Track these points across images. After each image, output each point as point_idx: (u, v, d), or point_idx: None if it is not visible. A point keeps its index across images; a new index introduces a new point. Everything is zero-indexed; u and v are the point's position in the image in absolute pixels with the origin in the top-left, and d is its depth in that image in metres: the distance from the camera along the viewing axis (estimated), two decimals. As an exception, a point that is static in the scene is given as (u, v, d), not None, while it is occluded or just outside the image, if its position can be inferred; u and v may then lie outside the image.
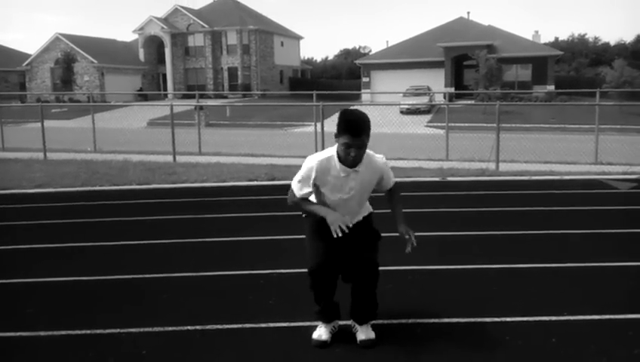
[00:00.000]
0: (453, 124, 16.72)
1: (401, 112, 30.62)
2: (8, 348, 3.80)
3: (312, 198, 3.69)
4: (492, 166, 12.22)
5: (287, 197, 3.73)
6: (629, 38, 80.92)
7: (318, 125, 14.05)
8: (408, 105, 31.58)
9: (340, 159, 3.50)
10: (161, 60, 55.56)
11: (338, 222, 3.44)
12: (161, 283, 5.06)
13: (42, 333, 3.97)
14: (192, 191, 10.02)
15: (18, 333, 3.98)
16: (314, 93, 24.85)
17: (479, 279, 5.02)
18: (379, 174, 3.67)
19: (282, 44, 58.05)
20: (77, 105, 32.95)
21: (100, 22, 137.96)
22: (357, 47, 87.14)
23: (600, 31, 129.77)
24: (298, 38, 62.79)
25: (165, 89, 54.90)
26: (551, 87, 41.44)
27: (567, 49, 61.41)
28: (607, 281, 4.93)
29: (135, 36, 56.02)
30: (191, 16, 54.00)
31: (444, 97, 37.12)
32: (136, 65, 54.48)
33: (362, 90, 45.75)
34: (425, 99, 34.85)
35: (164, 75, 55.72)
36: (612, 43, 70.83)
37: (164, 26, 53.50)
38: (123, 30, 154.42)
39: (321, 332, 3.76)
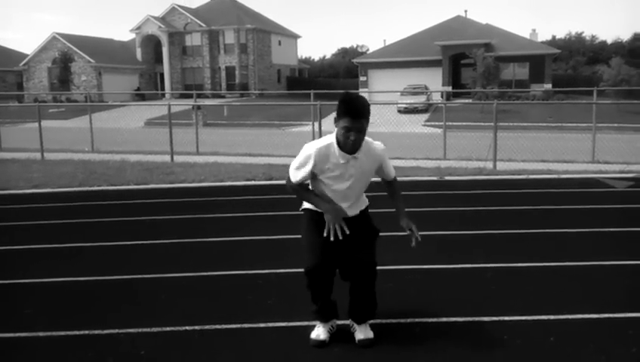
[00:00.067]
0: (450, 123, 16.74)
1: (399, 111, 30.65)
2: (7, 348, 3.79)
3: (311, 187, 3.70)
4: (489, 165, 12.23)
5: (286, 183, 3.73)
6: (626, 36, 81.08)
7: (316, 124, 14.05)
8: (406, 104, 31.58)
9: (340, 145, 3.49)
10: (159, 60, 55.52)
11: (335, 222, 3.45)
12: (159, 283, 5.05)
13: (41, 334, 3.97)
14: (189, 191, 10.01)
15: (17, 334, 3.98)
16: (311, 92, 24.84)
17: (477, 278, 5.02)
18: (378, 162, 3.66)
19: (280, 43, 58.04)
20: (74, 105, 32.87)
21: (98, 21, 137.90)
22: (354, 46, 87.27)
23: (597, 29, 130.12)
24: (295, 37, 62.78)
25: (163, 88, 54.87)
26: (548, 86, 41.48)
27: (565, 47, 61.48)
28: (605, 280, 4.94)
29: (132, 35, 55.99)
30: (188, 15, 53.94)
31: (442, 96, 37.13)
32: (133, 64, 54.43)
33: (360, 89, 45.71)
34: (422, 98, 34.88)
35: (162, 75, 55.68)
36: (609, 41, 71.03)
37: (162, 25, 53.45)
38: (120, 29, 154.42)
39: (319, 332, 3.75)
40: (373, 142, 3.64)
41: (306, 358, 3.58)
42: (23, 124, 24.86)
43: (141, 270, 5.40)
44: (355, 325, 3.80)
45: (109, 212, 8.34)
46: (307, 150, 3.55)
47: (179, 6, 54.39)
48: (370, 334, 3.74)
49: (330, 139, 3.54)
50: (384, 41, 71.78)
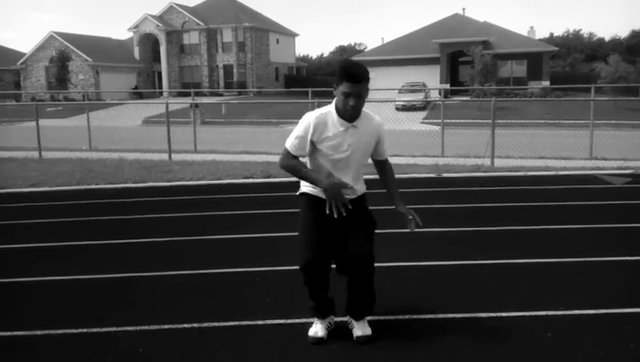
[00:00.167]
0: (448, 121, 16.71)
1: (397, 109, 30.66)
2: (6, 347, 3.79)
3: (308, 165, 3.66)
4: (487, 162, 12.24)
5: (280, 159, 3.64)
6: (623, 33, 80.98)
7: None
8: (404, 101, 31.58)
9: (339, 112, 3.49)
10: (157, 58, 55.43)
11: (336, 198, 3.38)
12: (157, 281, 5.06)
13: (39, 332, 3.97)
14: (187, 189, 10.01)
15: (15, 332, 3.98)
16: (309, 90, 24.82)
17: (475, 275, 5.03)
18: (376, 135, 3.64)
19: (277, 41, 57.97)
20: (72, 103, 32.81)
21: (95, 20, 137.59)
22: (352, 44, 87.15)
23: (595, 26, 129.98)
24: (293, 35, 62.72)
25: (160, 87, 54.79)
26: (546, 83, 41.48)
27: (562, 45, 61.44)
28: (603, 276, 4.95)
29: (130, 34, 55.92)
30: (186, 13, 53.87)
31: (440, 94, 37.18)
32: (131, 63, 54.35)
33: (358, 87, 45.58)
34: (420, 96, 34.89)
35: (160, 73, 55.60)
36: (607, 38, 70.99)
37: (159, 24, 53.37)
38: (118, 28, 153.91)
39: (317, 329, 3.76)
40: (372, 114, 3.66)
41: (304, 355, 3.58)
42: (21, 123, 24.84)
43: (139, 268, 5.40)
44: (353, 321, 3.80)
45: (106, 210, 8.34)
46: (306, 118, 3.54)
47: (177, 4, 54.30)
48: (369, 331, 3.75)
49: (330, 107, 3.54)
50: (382, 39, 71.97)
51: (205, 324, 4.02)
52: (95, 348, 3.73)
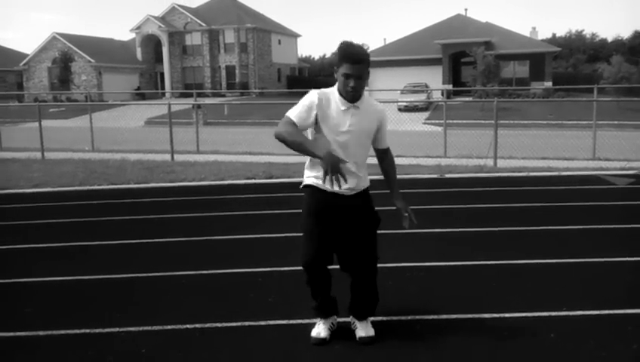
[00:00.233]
0: (451, 121, 16.72)
1: (399, 110, 30.59)
2: (8, 347, 3.79)
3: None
4: (490, 162, 12.22)
5: (276, 129, 3.40)
6: (626, 34, 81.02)
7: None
8: (406, 102, 31.54)
9: (341, 93, 3.48)
10: (159, 59, 55.51)
11: (333, 168, 3.17)
12: (159, 281, 5.05)
13: (41, 333, 3.97)
14: (190, 190, 10.01)
15: (17, 333, 3.98)
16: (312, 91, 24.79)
17: (478, 275, 5.02)
18: (378, 120, 3.61)
19: (280, 42, 58.01)
20: (74, 104, 32.86)
21: (98, 21, 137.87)
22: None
23: (597, 27, 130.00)
24: (295, 36, 62.76)
25: (163, 88, 54.87)
26: (548, 84, 41.45)
27: (565, 45, 61.42)
28: (605, 277, 4.94)
29: (132, 35, 55.97)
30: (188, 14, 53.92)
31: (442, 94, 37.06)
32: (133, 64, 54.41)
33: (360, 88, 45.61)
34: (423, 97, 34.85)
35: (162, 74, 55.67)
36: (609, 39, 71.01)
37: (162, 25, 53.44)
38: (120, 29, 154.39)
39: (319, 330, 3.75)
40: (376, 101, 3.66)
41: (307, 356, 3.58)
42: (24, 124, 24.86)
43: (142, 269, 5.40)
44: (356, 322, 3.79)
45: (109, 211, 8.35)
46: (311, 92, 3.51)
47: (179, 5, 54.37)
48: (371, 332, 3.74)
49: (333, 89, 3.54)
50: (384, 39, 71.94)
51: (208, 325, 4.01)
52: (97, 348, 3.73)
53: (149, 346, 3.74)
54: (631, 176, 10.45)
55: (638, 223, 6.91)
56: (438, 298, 4.47)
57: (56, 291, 4.88)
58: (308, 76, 62.97)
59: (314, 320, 3.83)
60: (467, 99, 35.28)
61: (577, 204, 8.18)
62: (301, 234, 3.69)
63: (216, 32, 53.58)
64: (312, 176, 3.61)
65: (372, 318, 3.84)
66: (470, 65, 40.74)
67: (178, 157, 14.06)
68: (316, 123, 3.48)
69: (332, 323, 3.82)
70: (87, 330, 3.98)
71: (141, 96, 49.07)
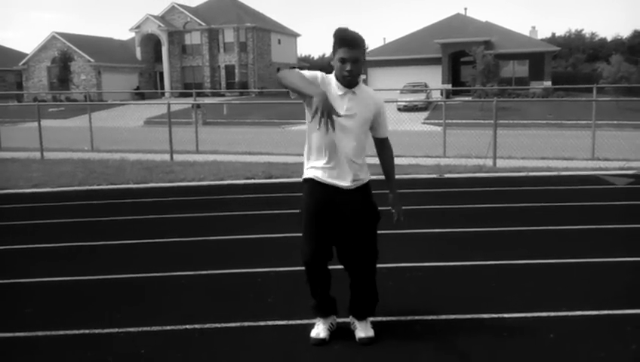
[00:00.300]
0: (450, 121, 16.70)
1: (399, 109, 30.61)
2: (7, 348, 3.79)
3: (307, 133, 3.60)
4: (489, 162, 12.23)
5: (281, 72, 3.46)
6: (625, 33, 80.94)
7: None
8: (405, 102, 31.55)
9: (338, 79, 3.50)
10: (158, 59, 55.50)
11: (325, 107, 3.12)
12: (159, 282, 5.06)
13: (40, 333, 3.97)
14: (189, 190, 10.01)
15: (16, 333, 3.98)
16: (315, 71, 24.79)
17: (477, 275, 5.03)
18: (376, 108, 3.60)
19: (279, 41, 58.00)
20: (74, 104, 32.88)
21: (97, 20, 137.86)
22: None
23: (597, 26, 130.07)
24: (295, 35, 62.74)
25: (162, 87, 54.86)
26: (548, 83, 41.47)
27: (564, 45, 61.39)
28: (604, 277, 4.94)
29: (132, 34, 55.98)
30: (188, 14, 53.92)
31: (442, 94, 37.03)
32: (133, 63, 54.41)
33: (359, 88, 45.56)
34: (422, 96, 34.86)
35: (161, 74, 55.68)
36: (609, 38, 70.99)
37: (161, 24, 53.44)
38: (120, 28, 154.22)
39: (319, 330, 3.75)
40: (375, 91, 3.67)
41: (306, 356, 3.58)
42: (23, 124, 24.86)
43: (141, 269, 5.40)
44: (356, 322, 3.80)
45: (108, 211, 8.34)
46: (314, 71, 3.53)
47: (178, 5, 54.36)
48: (371, 332, 3.74)
49: (331, 75, 3.55)
50: (384, 39, 71.95)
51: (207, 325, 4.01)
52: (96, 349, 3.72)
53: (149, 347, 3.74)
54: (630, 176, 10.46)
55: (637, 223, 6.92)
56: (437, 298, 4.47)
57: (56, 291, 4.88)
58: (307, 76, 62.88)
59: (313, 321, 3.84)
60: (466, 98, 35.31)
61: (576, 204, 8.18)
62: (300, 235, 3.69)
63: (215, 32, 53.58)
64: (310, 168, 3.62)
65: (372, 319, 3.84)
66: (470, 64, 40.75)
67: (177, 157, 14.06)
68: (311, 102, 3.43)
69: (331, 324, 3.82)
70: (87, 331, 3.98)
71: (140, 96, 49.07)
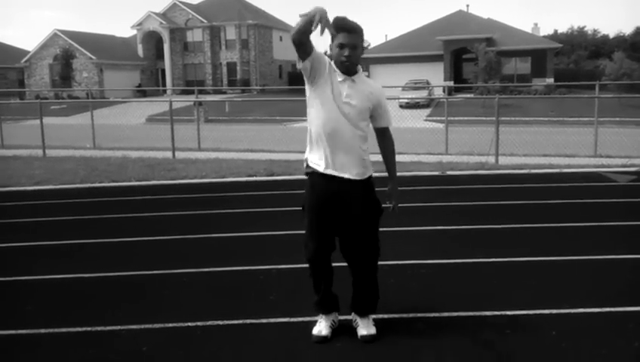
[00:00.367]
0: (452, 118, 16.73)
1: (401, 106, 30.61)
2: (9, 345, 3.80)
3: (311, 116, 3.63)
4: (491, 159, 12.21)
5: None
6: (628, 30, 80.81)
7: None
8: (407, 99, 31.56)
9: (337, 65, 3.51)
10: (160, 56, 55.49)
11: (320, 15, 3.19)
12: (160, 279, 5.06)
13: (42, 331, 3.97)
14: (191, 188, 10.02)
15: (18, 331, 3.98)
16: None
17: (479, 273, 5.02)
18: (376, 97, 3.61)
19: (281, 38, 57.92)
20: (76, 101, 32.93)
21: (98, 18, 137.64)
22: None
23: (599, 23, 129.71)
24: (297, 32, 62.61)
25: (164, 85, 54.84)
26: (550, 80, 41.39)
27: (567, 41, 61.29)
28: (606, 274, 4.93)
29: (133, 32, 55.98)
30: (189, 11, 53.90)
31: (444, 91, 37.06)
32: (134, 61, 54.42)
33: (361, 85, 45.51)
34: (424, 93, 34.85)
35: (163, 71, 55.66)
36: (611, 35, 70.76)
37: (163, 22, 53.41)
38: (121, 26, 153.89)
39: (321, 328, 3.75)
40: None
41: (308, 354, 3.58)
42: (25, 121, 24.87)
43: (143, 266, 5.40)
44: (358, 319, 3.79)
45: (110, 208, 8.35)
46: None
47: (180, 2, 54.33)
48: (373, 330, 3.74)
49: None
50: (385, 36, 71.86)
51: (209, 323, 4.02)
52: (98, 346, 3.73)
53: (150, 344, 3.74)
54: (632, 173, 10.44)
55: (640, 220, 6.91)
56: (439, 295, 4.47)
57: (57, 289, 4.88)
58: (309, 73, 62.82)
59: (315, 318, 3.84)
60: (468, 95, 35.28)
61: (578, 201, 8.17)
62: (303, 232, 3.71)
63: (217, 29, 53.55)
64: (311, 160, 3.64)
65: (373, 316, 3.84)
66: (472, 61, 40.68)
67: (179, 155, 14.06)
68: (317, 81, 3.50)
69: (333, 321, 3.82)
70: (88, 328, 3.98)
71: (142, 93, 49.10)
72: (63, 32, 50.82)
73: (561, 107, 29.05)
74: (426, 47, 44.75)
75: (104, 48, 52.16)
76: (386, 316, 4.00)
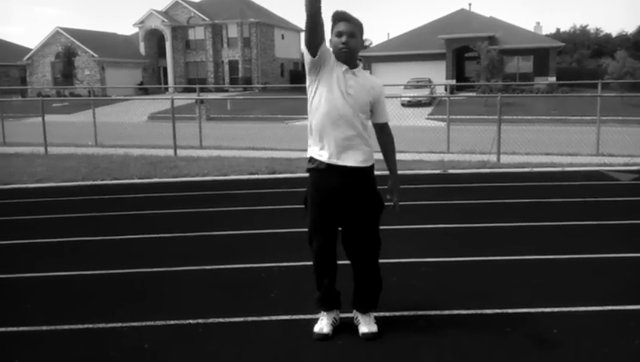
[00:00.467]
0: (454, 117, 16.69)
1: (402, 105, 30.56)
2: (10, 343, 3.80)
3: (313, 105, 3.64)
4: (493, 158, 12.20)
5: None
6: (630, 29, 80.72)
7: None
8: (409, 97, 31.52)
9: (336, 55, 3.54)
10: (162, 54, 55.52)
11: None
12: (162, 277, 5.06)
13: (44, 328, 3.98)
14: (193, 185, 10.02)
15: (20, 328, 3.99)
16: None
17: (481, 271, 5.02)
18: (375, 92, 3.63)
19: (283, 36, 57.94)
20: (78, 99, 32.97)
21: (101, 15, 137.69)
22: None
23: (602, 22, 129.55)
24: (299, 30, 62.59)
25: (166, 83, 54.87)
26: (552, 79, 41.35)
27: (569, 40, 61.20)
28: (608, 272, 4.93)
29: (135, 30, 56.00)
30: (191, 9, 53.91)
31: (446, 89, 37.08)
32: (136, 58, 54.45)
33: (363, 83, 45.52)
34: (426, 92, 34.82)
35: (165, 69, 55.69)
36: (614, 34, 70.63)
37: (165, 20, 53.43)
38: (123, 24, 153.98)
39: (322, 326, 3.75)
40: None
41: (310, 351, 3.58)
42: (27, 119, 24.92)
43: (144, 264, 5.40)
44: (360, 317, 3.80)
45: (112, 206, 8.36)
46: None
47: (182, 0, 54.33)
48: (374, 328, 3.74)
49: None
50: (388, 34, 71.85)
51: (211, 320, 4.02)
52: (100, 343, 3.73)
53: (152, 341, 3.74)
54: (635, 171, 10.42)
55: (642, 219, 6.90)
56: (440, 293, 4.47)
57: (59, 286, 4.89)
58: (311, 71, 62.84)
59: (317, 316, 3.84)
60: (471, 94, 35.23)
61: (581, 199, 8.16)
62: (306, 230, 3.74)
63: (219, 27, 53.55)
64: (313, 152, 3.66)
65: (375, 314, 3.84)
66: (474, 60, 40.67)
67: (181, 153, 14.06)
68: (323, 70, 3.51)
69: (335, 319, 3.82)
70: (90, 325, 3.98)
71: (144, 91, 49.12)
72: (65, 29, 50.84)
73: (563, 106, 29.02)
74: (428, 45, 44.71)
75: (106, 46, 52.19)
76: (387, 314, 4.00)
